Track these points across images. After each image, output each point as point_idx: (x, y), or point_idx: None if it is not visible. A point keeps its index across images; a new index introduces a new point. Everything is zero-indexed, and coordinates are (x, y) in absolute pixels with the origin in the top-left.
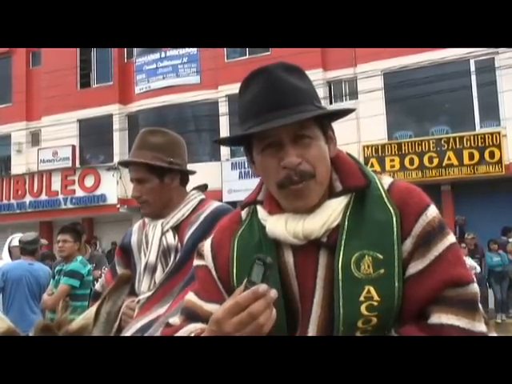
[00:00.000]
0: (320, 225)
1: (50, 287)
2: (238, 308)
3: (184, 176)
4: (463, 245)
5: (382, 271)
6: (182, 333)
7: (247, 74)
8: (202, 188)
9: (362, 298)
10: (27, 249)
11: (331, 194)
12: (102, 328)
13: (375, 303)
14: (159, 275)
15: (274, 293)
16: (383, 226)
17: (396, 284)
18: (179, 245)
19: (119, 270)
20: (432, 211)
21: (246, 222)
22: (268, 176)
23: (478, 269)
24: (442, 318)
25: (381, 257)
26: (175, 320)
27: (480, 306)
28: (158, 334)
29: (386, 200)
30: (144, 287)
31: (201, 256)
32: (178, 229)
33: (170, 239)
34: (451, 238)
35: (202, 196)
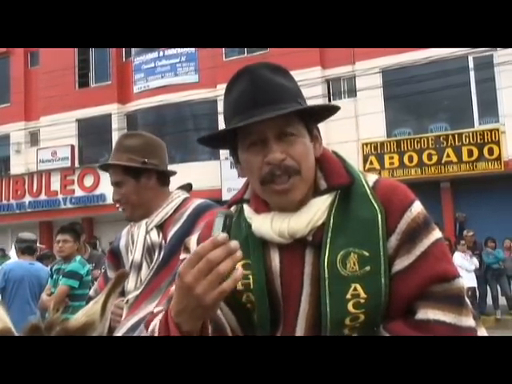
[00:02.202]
0: (305, 223)
1: (48, 286)
2: (198, 258)
3: (162, 176)
4: (462, 242)
5: (368, 268)
6: (157, 319)
7: (234, 74)
8: (187, 187)
9: (348, 296)
10: (27, 248)
11: (316, 192)
12: (106, 323)
13: (362, 300)
14: (145, 273)
15: (234, 243)
16: (368, 223)
17: (383, 280)
18: (163, 242)
19: (110, 274)
20: (416, 207)
21: (233, 218)
22: (252, 173)
23: (478, 265)
24: (428, 314)
25: (367, 254)
26: (159, 309)
27: (467, 300)
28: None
29: (370, 197)
30: (131, 286)
31: (187, 250)
32: (161, 227)
33: (155, 237)
34: (436, 234)
35: (186, 195)
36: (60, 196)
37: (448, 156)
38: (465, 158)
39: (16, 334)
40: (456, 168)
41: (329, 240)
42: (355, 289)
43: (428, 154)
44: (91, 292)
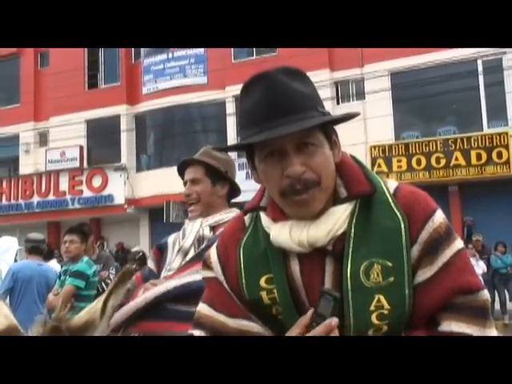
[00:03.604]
0: (325, 233)
1: (55, 287)
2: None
3: (231, 191)
4: (470, 246)
5: (391, 279)
6: None
7: (247, 79)
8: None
9: (372, 308)
10: (35, 248)
11: (336, 200)
12: (108, 321)
13: (386, 312)
14: (189, 259)
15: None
16: (391, 232)
17: (406, 291)
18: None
19: (149, 264)
20: (439, 217)
21: (249, 229)
22: (271, 184)
23: (485, 269)
24: (452, 326)
25: (390, 264)
26: (201, 334)
27: (490, 313)
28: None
29: (392, 205)
30: (174, 265)
31: (208, 267)
32: (214, 229)
33: (207, 232)
34: (459, 244)
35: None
36: (68, 196)
37: (456, 159)
38: (473, 161)
39: (22, 332)
40: (464, 172)
41: (351, 250)
42: (379, 300)
43: (436, 157)
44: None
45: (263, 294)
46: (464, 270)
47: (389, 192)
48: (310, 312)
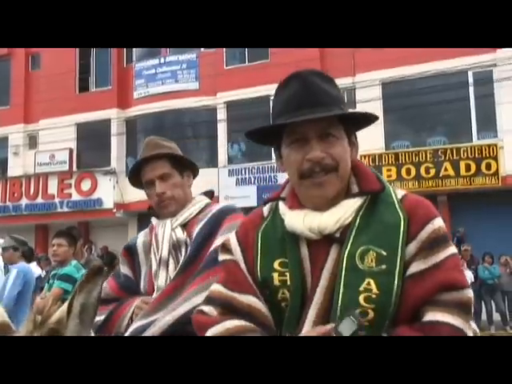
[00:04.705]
0: (334, 221)
1: (43, 291)
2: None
3: (193, 178)
4: (459, 256)
5: (383, 267)
6: (220, 327)
7: (286, 77)
8: (209, 194)
9: (361, 288)
10: (25, 251)
11: (347, 195)
12: (78, 320)
13: (373, 295)
14: (172, 270)
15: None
16: (391, 227)
17: (395, 281)
18: (188, 240)
19: (123, 269)
20: (439, 222)
21: (268, 217)
22: (292, 167)
23: (473, 279)
24: (437, 316)
25: (384, 254)
26: (210, 310)
27: (471, 311)
28: (166, 325)
29: (397, 206)
30: (160, 282)
31: (227, 251)
32: (185, 226)
33: (180, 234)
34: (453, 250)
35: (209, 200)
36: (57, 199)
37: (446, 170)
38: (462, 172)
39: (14, 330)
40: (453, 182)
41: (352, 237)
42: (369, 283)
43: (426, 167)
44: (102, 294)
45: (275, 275)
46: (453, 269)
47: (396, 196)
48: (330, 327)
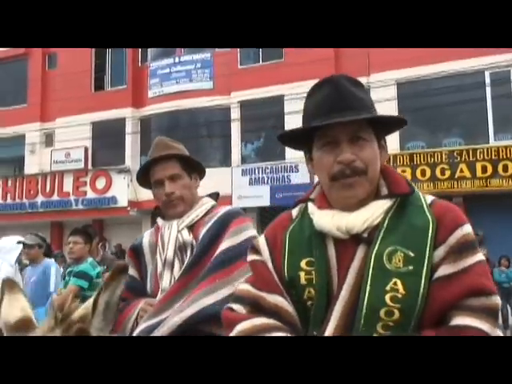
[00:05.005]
0: (362, 221)
1: (59, 288)
2: None
3: (199, 180)
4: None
5: (411, 267)
6: (248, 323)
7: (318, 81)
8: (214, 196)
9: (388, 288)
10: (45, 249)
11: (377, 197)
12: (102, 317)
13: (400, 295)
14: (177, 271)
15: None
16: (419, 229)
17: (422, 282)
18: (194, 241)
19: (130, 271)
20: (468, 228)
21: (297, 219)
22: (323, 170)
23: None
24: (466, 321)
25: (412, 255)
26: (239, 308)
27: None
28: (171, 328)
29: (425, 209)
30: (165, 284)
31: (256, 251)
32: (191, 228)
33: (186, 236)
34: (481, 256)
35: (214, 202)
36: (72, 197)
37: (461, 171)
38: (478, 174)
39: (35, 325)
40: (469, 184)
41: (380, 238)
42: (395, 283)
43: (441, 168)
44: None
45: (302, 274)
46: (481, 275)
47: (425, 200)
48: None
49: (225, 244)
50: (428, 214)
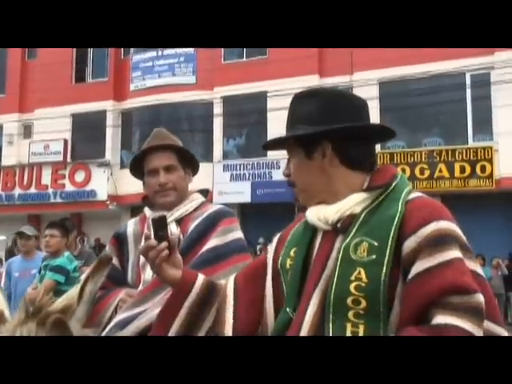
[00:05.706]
0: (335, 211)
1: (34, 282)
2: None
3: (192, 175)
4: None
5: (373, 257)
6: None
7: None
8: (204, 192)
9: (352, 278)
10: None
11: (359, 190)
12: (86, 307)
13: (363, 284)
14: None
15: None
16: (387, 220)
17: (384, 270)
18: (181, 236)
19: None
20: (449, 224)
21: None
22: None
23: None
24: (447, 319)
25: (376, 244)
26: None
27: (483, 316)
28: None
29: (400, 202)
30: (148, 276)
31: (267, 248)
32: (179, 222)
33: (173, 229)
34: (459, 254)
35: (204, 199)
36: (50, 190)
37: (440, 171)
38: (457, 174)
39: (6, 317)
40: (448, 184)
41: (354, 230)
42: (359, 273)
43: (420, 168)
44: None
45: (288, 260)
46: (464, 273)
47: (406, 194)
48: None
49: (212, 242)
50: (400, 205)
